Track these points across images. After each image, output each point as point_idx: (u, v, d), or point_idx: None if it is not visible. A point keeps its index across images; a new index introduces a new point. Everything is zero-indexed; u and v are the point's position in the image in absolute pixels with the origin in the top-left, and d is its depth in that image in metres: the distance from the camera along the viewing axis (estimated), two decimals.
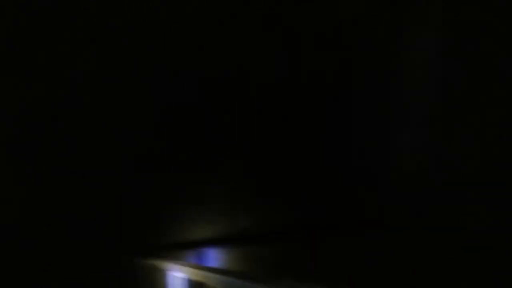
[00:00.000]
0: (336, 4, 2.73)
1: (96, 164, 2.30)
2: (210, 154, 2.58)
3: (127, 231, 2.36)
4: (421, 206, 2.77)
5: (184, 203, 2.51)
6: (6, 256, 2.11)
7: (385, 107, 2.92)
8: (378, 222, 2.86)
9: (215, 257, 2.54)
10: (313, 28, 2.74)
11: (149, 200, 2.42)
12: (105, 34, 2.28)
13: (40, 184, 2.20)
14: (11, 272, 2.12)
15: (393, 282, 2.53)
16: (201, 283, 1.58)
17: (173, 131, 2.49)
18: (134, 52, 2.36)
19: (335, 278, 2.48)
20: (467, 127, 2.62)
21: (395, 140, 2.92)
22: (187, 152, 2.53)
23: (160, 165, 2.46)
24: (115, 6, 2.27)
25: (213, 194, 2.59)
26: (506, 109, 2.47)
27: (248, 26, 2.61)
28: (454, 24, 2.63)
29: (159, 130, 2.47)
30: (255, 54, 2.64)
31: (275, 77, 2.70)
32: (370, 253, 2.66)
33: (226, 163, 2.62)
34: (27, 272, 2.16)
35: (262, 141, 2.71)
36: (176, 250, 2.46)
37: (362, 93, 2.92)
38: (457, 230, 2.60)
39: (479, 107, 2.57)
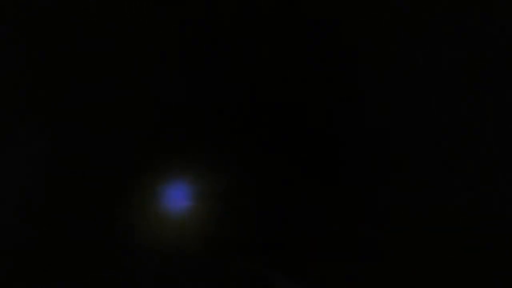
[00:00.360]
0: None
1: (96, 163, 2.31)
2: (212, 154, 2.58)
3: (127, 231, 2.37)
4: None
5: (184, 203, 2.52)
6: (5, 256, 2.12)
7: None
8: None
9: None
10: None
11: (149, 200, 2.43)
12: (105, 33, 2.28)
13: (40, 184, 2.21)
14: (11, 272, 2.13)
15: None
16: None
17: (174, 130, 2.50)
18: (134, 52, 2.36)
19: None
20: None
21: None
22: (187, 152, 2.53)
23: (161, 164, 2.47)
24: (115, 6, 2.28)
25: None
26: None
27: (250, 24, 2.61)
28: None
29: (160, 130, 2.47)
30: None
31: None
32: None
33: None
34: (27, 272, 2.16)
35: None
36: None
37: None
38: None
39: None
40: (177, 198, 2.48)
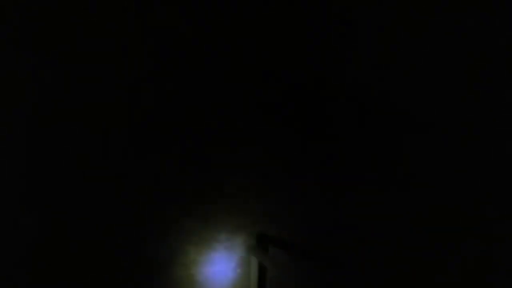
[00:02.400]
0: None
1: (95, 163, 2.30)
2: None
3: (126, 231, 2.36)
4: None
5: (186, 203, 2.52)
6: (6, 256, 2.12)
7: None
8: None
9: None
10: None
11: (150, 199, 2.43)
12: (105, 33, 2.28)
13: (40, 184, 2.20)
14: (11, 272, 2.12)
15: None
16: None
17: (174, 129, 2.49)
18: (133, 52, 2.36)
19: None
20: None
21: None
22: (189, 152, 2.52)
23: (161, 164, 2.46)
24: (115, 6, 2.27)
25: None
26: None
27: (256, 23, 2.60)
28: None
29: (160, 129, 2.47)
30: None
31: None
32: None
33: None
34: (27, 273, 2.16)
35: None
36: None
37: None
38: None
39: None
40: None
